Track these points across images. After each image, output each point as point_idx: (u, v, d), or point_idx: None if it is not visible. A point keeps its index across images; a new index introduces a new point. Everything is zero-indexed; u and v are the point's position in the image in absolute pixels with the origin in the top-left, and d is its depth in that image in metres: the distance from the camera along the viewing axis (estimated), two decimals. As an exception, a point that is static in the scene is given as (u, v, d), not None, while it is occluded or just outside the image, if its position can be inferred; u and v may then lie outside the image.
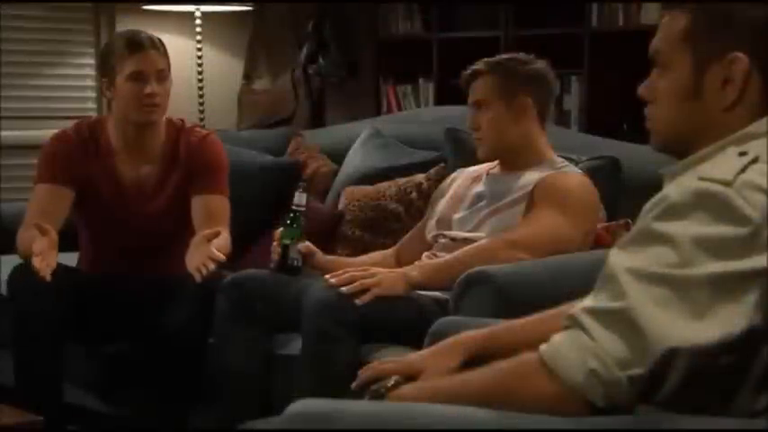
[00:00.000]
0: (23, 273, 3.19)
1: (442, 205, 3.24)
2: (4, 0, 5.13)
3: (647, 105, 1.71)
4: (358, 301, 2.84)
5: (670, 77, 1.65)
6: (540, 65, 3.16)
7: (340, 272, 2.93)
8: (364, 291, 2.86)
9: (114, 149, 3.41)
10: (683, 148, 1.65)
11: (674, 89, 1.65)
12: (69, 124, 3.53)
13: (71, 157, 3.38)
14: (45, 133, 4.83)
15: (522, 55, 3.17)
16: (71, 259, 3.48)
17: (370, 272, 2.92)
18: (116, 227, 3.37)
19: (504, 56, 3.22)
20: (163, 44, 3.39)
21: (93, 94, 5.46)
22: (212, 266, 3.05)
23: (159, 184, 3.41)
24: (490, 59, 3.19)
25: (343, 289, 2.85)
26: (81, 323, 3.29)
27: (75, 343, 3.33)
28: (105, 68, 3.40)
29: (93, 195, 3.39)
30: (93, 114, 5.35)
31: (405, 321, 2.85)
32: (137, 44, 3.31)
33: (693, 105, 1.63)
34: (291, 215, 3.12)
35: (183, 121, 3.52)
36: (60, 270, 3.19)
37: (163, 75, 3.34)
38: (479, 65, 3.15)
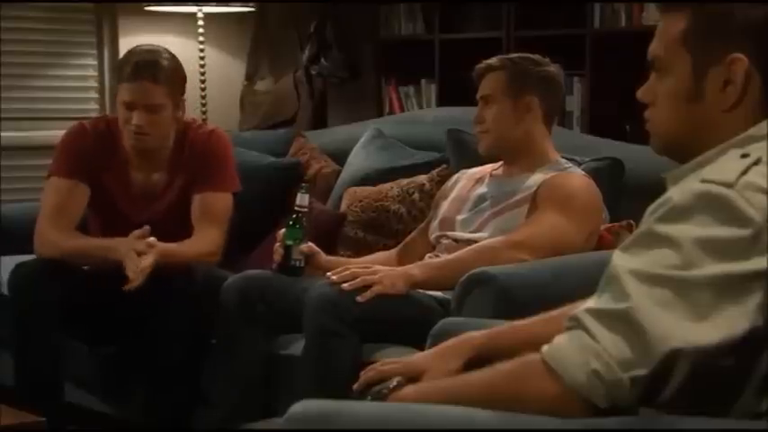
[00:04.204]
0: (25, 271, 3.20)
1: (445, 206, 3.24)
2: (6, 0, 5.12)
3: (647, 108, 1.70)
4: (359, 298, 2.84)
5: (670, 80, 1.65)
6: (553, 68, 3.17)
7: (341, 268, 2.93)
8: (366, 288, 2.86)
9: (128, 155, 3.41)
10: (683, 150, 1.65)
11: (675, 92, 1.64)
12: (69, 126, 3.54)
13: (87, 153, 3.38)
14: (47, 134, 4.88)
15: (536, 56, 3.17)
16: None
17: (372, 269, 2.92)
18: (124, 228, 3.37)
19: (519, 55, 3.22)
20: (171, 71, 3.34)
21: (96, 95, 5.45)
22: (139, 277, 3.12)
23: (165, 187, 3.42)
24: (505, 56, 3.21)
25: (345, 285, 2.85)
26: (83, 322, 3.30)
27: (76, 342, 3.34)
28: (116, 80, 3.40)
29: (103, 195, 3.40)
30: (96, 115, 5.34)
31: (406, 320, 2.85)
32: (135, 72, 3.29)
33: (694, 107, 1.63)
34: (294, 216, 3.12)
35: (194, 119, 3.53)
36: (61, 268, 3.20)
37: (155, 108, 3.31)
38: (493, 60, 3.16)
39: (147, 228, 3.18)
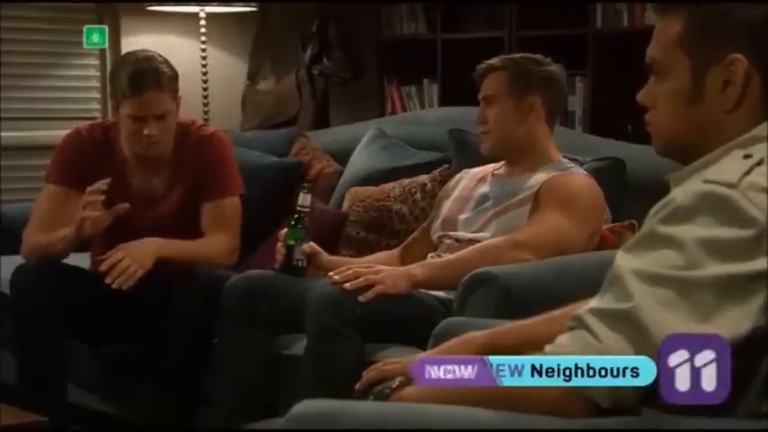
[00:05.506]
0: (26, 273, 3.20)
1: (447, 206, 3.24)
2: (7, 0, 5.12)
3: (648, 111, 1.70)
4: (361, 298, 2.84)
5: (669, 83, 1.65)
6: (555, 68, 3.17)
7: (343, 268, 2.93)
8: (368, 287, 2.86)
9: (126, 159, 3.41)
10: (685, 151, 1.64)
11: (675, 94, 1.64)
12: (72, 126, 3.53)
13: (83, 159, 3.38)
14: (48, 134, 4.87)
15: (538, 56, 3.17)
16: (83, 259, 3.48)
17: (374, 269, 2.92)
18: (124, 232, 3.37)
19: (521, 54, 3.22)
20: (169, 76, 3.31)
21: (98, 95, 5.45)
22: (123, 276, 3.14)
23: (166, 192, 3.42)
24: (506, 57, 3.21)
25: (347, 285, 2.85)
26: (85, 323, 3.30)
27: (78, 342, 3.34)
28: (112, 90, 3.37)
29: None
30: (98, 115, 5.35)
31: (408, 320, 2.85)
32: (139, 85, 3.24)
33: (695, 109, 1.63)
34: (296, 216, 3.12)
35: (193, 121, 3.52)
36: (62, 269, 3.20)
37: (163, 115, 3.29)
38: (494, 61, 3.16)
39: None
